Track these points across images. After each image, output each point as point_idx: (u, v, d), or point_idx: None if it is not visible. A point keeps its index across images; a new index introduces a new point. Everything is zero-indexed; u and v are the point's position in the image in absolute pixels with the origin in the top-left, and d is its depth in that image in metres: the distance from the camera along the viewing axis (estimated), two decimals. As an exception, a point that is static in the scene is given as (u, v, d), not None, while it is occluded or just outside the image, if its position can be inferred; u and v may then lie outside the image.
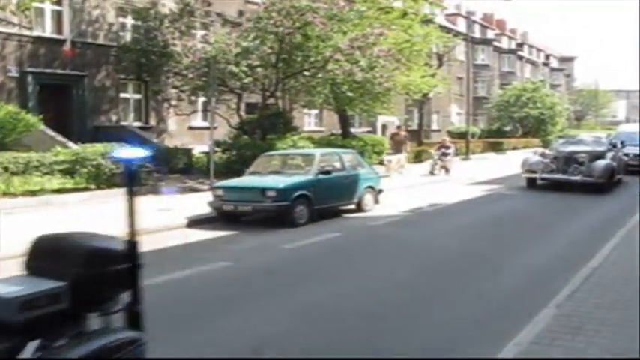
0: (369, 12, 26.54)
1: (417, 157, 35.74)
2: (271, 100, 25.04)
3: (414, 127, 46.66)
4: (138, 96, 27.85)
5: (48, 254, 3.59)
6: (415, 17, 31.17)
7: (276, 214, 13.71)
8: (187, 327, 6.81)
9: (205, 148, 22.10)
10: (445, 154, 27.61)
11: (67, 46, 24.13)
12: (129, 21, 27.04)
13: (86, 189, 17.65)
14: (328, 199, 14.88)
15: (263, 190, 13.77)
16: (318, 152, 16.19)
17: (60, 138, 20.87)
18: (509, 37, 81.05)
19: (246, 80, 21.43)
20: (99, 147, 18.47)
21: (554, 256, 10.58)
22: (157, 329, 6.63)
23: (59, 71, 24.47)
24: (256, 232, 13.09)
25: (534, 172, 21.01)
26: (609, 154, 21.54)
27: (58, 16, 24.64)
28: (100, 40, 25.92)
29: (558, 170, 20.57)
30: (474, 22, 64.09)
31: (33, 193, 16.70)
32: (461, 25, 60.90)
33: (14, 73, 23.08)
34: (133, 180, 3.80)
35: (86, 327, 3.54)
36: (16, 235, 9.19)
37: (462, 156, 39.64)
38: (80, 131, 23.68)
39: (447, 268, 9.80)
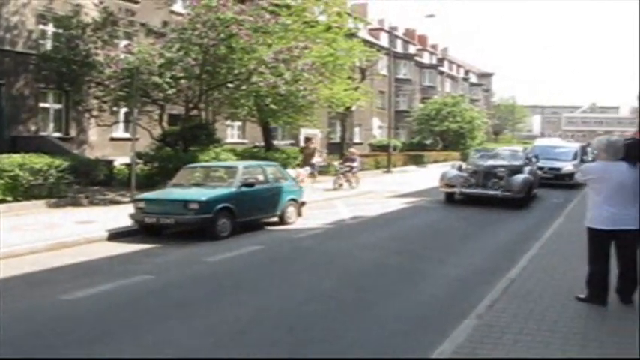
0: (293, 25, 26.83)
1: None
2: (194, 112, 24.93)
3: (337, 139, 47.09)
4: (58, 106, 27.29)
5: None
6: (339, 31, 31.59)
7: (198, 226, 13.69)
8: (108, 342, 6.80)
9: (127, 160, 21.82)
10: (351, 167, 26.61)
11: (-17, 53, 23.51)
12: (50, 29, 26.48)
13: (2, 201, 17.21)
14: (251, 211, 14.95)
15: (185, 203, 13.71)
16: (241, 165, 16.23)
17: (-25, 148, 20.32)
18: (431, 53, 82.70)
19: (169, 91, 21.28)
20: (16, 158, 18.05)
21: (474, 268, 10.91)
22: (76, 345, 6.67)
23: (-26, 79, 23.79)
24: (179, 245, 13.03)
25: (453, 186, 20.74)
26: (527, 169, 21.62)
27: (-27, 22, 24.00)
28: (19, 48, 25.30)
29: (477, 185, 20.37)
30: (397, 37, 65.31)
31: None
32: (384, 40, 61.84)
33: None
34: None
35: None
36: None
37: (383, 169, 40.27)
38: (-3, 141, 23.06)
39: (369, 280, 9.97)
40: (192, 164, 18.01)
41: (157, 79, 20.65)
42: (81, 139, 27.76)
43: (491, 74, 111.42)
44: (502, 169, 20.26)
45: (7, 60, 24.82)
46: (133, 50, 21.88)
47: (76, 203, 18.65)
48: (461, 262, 11.42)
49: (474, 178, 20.57)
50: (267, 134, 32.16)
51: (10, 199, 17.40)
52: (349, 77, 35.86)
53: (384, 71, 54.76)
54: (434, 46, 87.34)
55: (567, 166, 27.91)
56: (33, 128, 25.92)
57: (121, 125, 28.48)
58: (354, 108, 41.84)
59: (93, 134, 27.92)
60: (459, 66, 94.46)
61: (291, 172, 24.36)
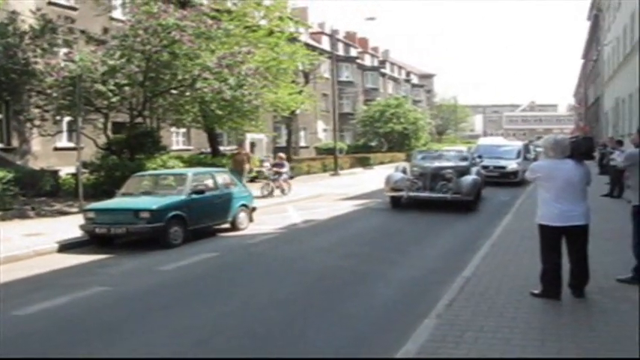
0: (236, 30, 26.71)
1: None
2: (139, 119, 24.65)
3: (283, 143, 47.11)
4: (-2, 116, 26.67)
5: None
6: (281, 35, 31.59)
7: (150, 235, 13.54)
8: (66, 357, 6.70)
9: (72, 170, 21.49)
10: (279, 173, 25.36)
11: None
12: (-16, 37, 25.85)
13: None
14: (203, 218, 14.87)
15: (136, 212, 13.56)
16: (190, 172, 16.10)
17: None
18: (372, 55, 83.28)
19: (113, 99, 20.99)
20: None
21: (428, 268, 11.04)
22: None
23: None
24: (131, 254, 12.88)
25: (399, 190, 19.84)
26: (474, 169, 21.19)
27: None
28: (-46, 57, 24.63)
29: (425, 187, 19.48)
30: (338, 40, 65.55)
31: None
32: (325, 43, 62.11)
33: None
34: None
35: None
36: None
37: (330, 172, 40.43)
38: None
39: (326, 284, 10.01)
40: (141, 172, 17.81)
41: (100, 86, 20.36)
42: (24, 150, 27.19)
43: (432, 75, 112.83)
44: (450, 171, 19.51)
45: (-59, 70, 24.11)
46: (74, 58, 21.51)
47: (22, 215, 18.28)
48: (415, 263, 11.54)
49: (421, 180, 19.72)
50: (213, 140, 31.99)
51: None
52: (293, 81, 35.92)
53: (327, 74, 55.00)
54: (375, 49, 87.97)
55: (512, 164, 28.41)
56: (-27, 140, 25.29)
57: (65, 134, 27.98)
58: (298, 112, 41.94)
59: (36, 144, 27.37)
60: (400, 68, 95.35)
61: None
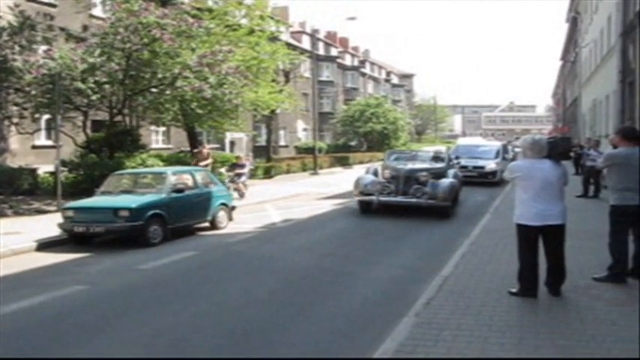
0: (217, 29, 26.65)
1: (267, 173, 36.17)
2: (119, 118, 24.54)
3: (263, 142, 47.06)
4: (-25, 113, 26.44)
5: None
6: (262, 34, 31.53)
7: (129, 234, 13.51)
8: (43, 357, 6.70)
9: (51, 168, 21.36)
10: (239, 175, 23.70)
11: None
12: (-39, 34, 25.61)
13: None
14: (182, 217, 14.86)
15: (115, 210, 13.53)
16: (169, 170, 16.08)
17: None
18: (352, 55, 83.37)
19: (93, 97, 20.87)
20: None
21: (407, 267, 11.10)
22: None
23: None
24: (110, 253, 12.84)
25: (369, 194, 18.28)
26: (451, 172, 20.08)
27: None
28: None
29: (397, 192, 18.06)
30: (319, 39, 65.53)
31: None
32: (306, 43, 62.12)
33: None
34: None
35: None
36: None
37: (310, 171, 40.48)
38: None
39: (305, 283, 10.04)
40: (121, 171, 17.75)
41: (79, 84, 20.22)
42: (1, 148, 27.00)
43: (412, 75, 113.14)
44: (424, 174, 18.19)
45: None
46: (53, 55, 21.38)
47: (-1, 214, 18.16)
48: (394, 262, 11.60)
49: (393, 184, 18.24)
50: (193, 139, 31.89)
51: None
52: (273, 80, 35.84)
53: (307, 74, 55.01)
54: (355, 48, 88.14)
55: (490, 164, 28.58)
56: (-51, 137, 25.08)
57: (43, 132, 27.83)
58: (278, 111, 41.88)
59: (14, 142, 27.17)
60: (380, 67, 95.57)
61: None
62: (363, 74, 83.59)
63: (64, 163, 21.27)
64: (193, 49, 22.86)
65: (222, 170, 25.31)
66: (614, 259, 8.54)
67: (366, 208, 18.55)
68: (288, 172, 38.86)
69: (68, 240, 13.90)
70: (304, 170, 40.83)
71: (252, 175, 34.69)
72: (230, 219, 16.76)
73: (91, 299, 9.12)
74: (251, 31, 30.59)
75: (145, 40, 21.06)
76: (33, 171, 23.47)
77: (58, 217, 14.57)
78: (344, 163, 48.64)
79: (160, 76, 21.68)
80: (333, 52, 73.32)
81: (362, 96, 72.88)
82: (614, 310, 7.34)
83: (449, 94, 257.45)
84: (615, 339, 6.35)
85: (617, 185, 8.48)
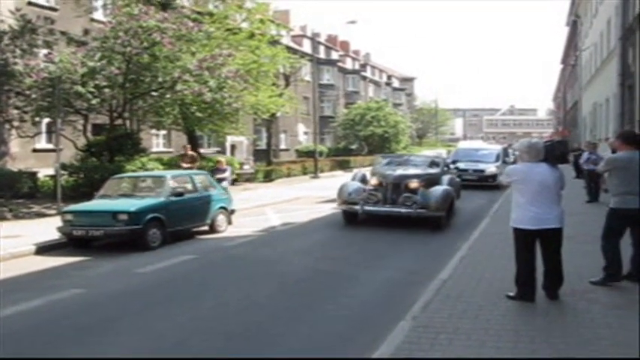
0: (217, 33, 26.70)
1: (267, 177, 36.22)
2: (119, 121, 24.57)
3: (263, 146, 47.08)
4: (-24, 117, 26.49)
5: None
6: (262, 38, 31.59)
7: (128, 237, 13.52)
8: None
9: (51, 171, 21.38)
10: (220, 180, 19.84)
11: None
12: (-37, 37, 25.68)
13: None
14: (181, 221, 14.87)
15: (114, 214, 13.54)
16: (169, 174, 16.09)
17: None
18: (353, 58, 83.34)
19: (93, 101, 20.91)
20: None
21: (406, 271, 11.09)
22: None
23: None
24: (109, 257, 12.84)
25: (354, 203, 16.58)
26: (446, 178, 18.63)
27: None
28: None
29: (385, 200, 16.38)
30: (319, 43, 65.60)
31: None
32: (306, 46, 62.11)
33: None
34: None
35: None
36: None
37: (310, 174, 40.51)
38: None
39: (304, 286, 10.05)
40: (120, 174, 17.76)
41: (79, 88, 20.26)
42: (2, 151, 27.05)
43: (413, 79, 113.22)
44: (415, 180, 16.55)
45: None
46: (54, 59, 21.43)
47: (-1, 217, 18.18)
48: (393, 265, 11.60)
49: (381, 192, 16.54)
50: (193, 142, 31.89)
51: None
52: (273, 84, 35.90)
53: (308, 77, 55.09)
54: (356, 52, 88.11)
55: (490, 168, 28.56)
56: (-51, 141, 25.12)
57: (44, 136, 27.90)
58: (279, 114, 41.90)
59: (14, 145, 27.21)
60: (381, 71, 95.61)
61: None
62: (364, 78, 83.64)
63: (64, 167, 21.29)
64: (193, 53, 22.91)
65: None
66: (607, 261, 8.58)
67: (351, 219, 17.04)
68: (288, 175, 38.90)
69: (67, 243, 13.92)
70: (305, 174, 40.87)
71: (253, 178, 34.84)
72: (229, 222, 16.77)
73: (89, 303, 9.11)
74: (251, 35, 30.67)
75: (145, 43, 21.12)
76: (33, 174, 23.49)
77: (57, 221, 14.58)
78: (345, 166, 48.67)
79: (160, 79, 21.71)
80: (334, 55, 73.32)
81: (363, 99, 72.98)
82: (611, 313, 7.34)
83: (450, 98, 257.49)
84: (612, 342, 6.35)
85: (618, 189, 8.49)
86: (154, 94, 22.48)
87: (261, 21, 32.36)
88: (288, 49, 45.05)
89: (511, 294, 7.98)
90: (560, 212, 7.79)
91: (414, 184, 16.35)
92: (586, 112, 43.34)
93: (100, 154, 23.37)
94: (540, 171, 7.74)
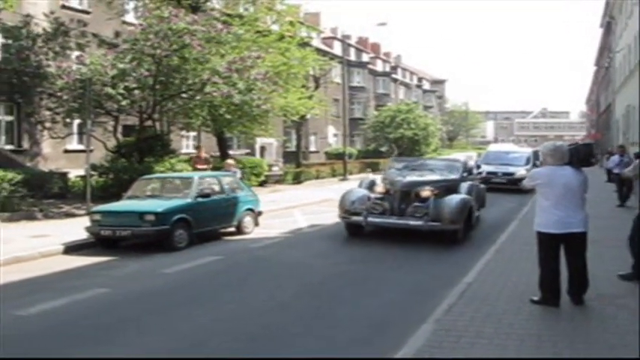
0: (246, 35, 26.78)
1: (296, 179, 36.28)
2: (149, 123, 24.76)
3: (293, 148, 47.14)
4: (10, 118, 26.89)
5: None
6: (292, 40, 31.61)
7: (155, 238, 13.60)
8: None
9: (82, 172, 21.61)
10: None
11: None
12: (-1, 40, 26.13)
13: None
14: (208, 222, 14.92)
15: (141, 214, 13.62)
16: (196, 175, 16.16)
17: None
18: (384, 60, 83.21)
19: (123, 102, 21.10)
20: (-35, 170, 17.78)
21: (430, 274, 11.02)
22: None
23: None
24: (135, 257, 12.93)
25: (357, 214, 14.78)
26: (465, 185, 16.34)
27: None
28: (-33, 59, 24.90)
29: (392, 211, 14.46)
30: (350, 45, 65.62)
31: None
32: (337, 48, 62.09)
33: None
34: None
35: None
36: None
37: (339, 176, 40.48)
38: (-54, 155, 22.65)
39: (327, 289, 10.02)
40: (148, 175, 17.88)
41: (109, 90, 20.45)
42: (34, 152, 27.41)
43: (444, 81, 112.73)
44: (428, 188, 14.48)
45: (-45, 72, 24.39)
46: (85, 61, 21.69)
47: (30, 217, 18.39)
48: (418, 268, 11.54)
49: (387, 200, 14.64)
50: (223, 144, 32.04)
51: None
52: (303, 86, 35.92)
53: (338, 79, 55.03)
54: (387, 54, 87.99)
55: (520, 171, 28.35)
56: (-16, 141, 25.53)
57: (75, 137, 28.21)
58: (308, 116, 41.91)
59: (46, 146, 27.56)
60: (412, 73, 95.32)
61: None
62: (395, 80, 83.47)
63: (94, 167, 21.53)
64: (222, 55, 22.99)
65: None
66: (636, 259, 8.50)
67: (355, 231, 15.24)
68: (317, 177, 38.92)
69: (95, 243, 14.04)
70: (334, 176, 40.87)
71: (282, 180, 34.91)
72: (256, 224, 16.77)
73: (113, 302, 9.18)
74: (281, 37, 30.68)
75: (175, 46, 21.24)
76: (63, 175, 23.74)
77: (86, 221, 14.68)
78: (374, 168, 48.57)
79: (189, 81, 21.82)
80: (365, 57, 73.21)
81: (393, 102, 72.73)
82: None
83: (481, 100, 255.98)
84: (637, 349, 6.24)
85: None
86: (184, 95, 22.60)
87: (291, 23, 32.38)
88: (319, 51, 45.07)
89: (535, 298, 7.89)
90: (584, 216, 7.69)
91: (425, 192, 14.28)
92: (619, 114, 42.83)
93: (129, 155, 23.55)
94: (565, 174, 7.64)
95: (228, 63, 22.28)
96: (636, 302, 7.83)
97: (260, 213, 17.27)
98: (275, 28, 31.53)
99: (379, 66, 79.32)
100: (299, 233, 16.56)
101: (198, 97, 22.31)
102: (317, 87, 43.45)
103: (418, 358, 6.10)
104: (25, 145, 27.21)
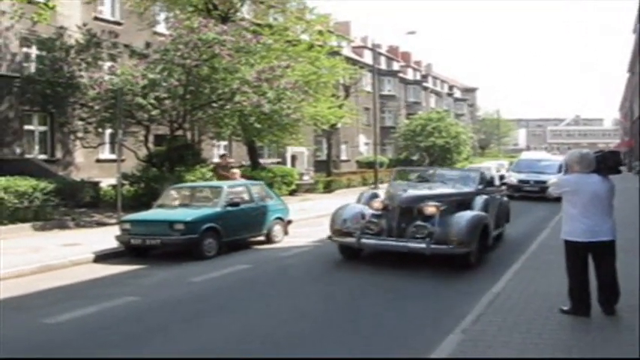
0: (276, 44, 26.91)
1: (327, 187, 36.29)
2: (179, 132, 24.95)
3: (324, 157, 47.17)
4: (43, 128, 27.30)
5: None
6: (322, 50, 31.67)
7: (184, 247, 13.66)
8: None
9: (113, 181, 21.81)
10: None
11: (-33, 77, 23.57)
12: (33, 51, 26.57)
13: (-13, 224, 17.22)
14: (237, 230, 14.93)
15: (171, 223, 13.70)
16: (225, 184, 16.21)
17: (-41, 172, 20.27)
18: (414, 69, 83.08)
19: (153, 112, 21.30)
20: (1, 181, 18.01)
21: (456, 284, 10.91)
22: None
23: (-42, 102, 23.79)
24: (165, 265, 13.00)
25: (349, 234, 12.58)
26: (480, 200, 13.70)
27: (-43, 47, 24.05)
28: (3, 71, 25.35)
29: (390, 230, 12.24)
30: (380, 54, 65.53)
31: None
32: (367, 57, 62.08)
33: None
34: None
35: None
36: None
37: (370, 185, 40.39)
38: (-19, 165, 22.98)
39: (355, 299, 9.91)
40: (178, 184, 17.98)
41: (140, 100, 20.66)
42: (67, 161, 27.77)
43: (475, 89, 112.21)
44: (433, 203, 12.24)
45: (-9, 83, 24.87)
46: (116, 72, 21.93)
47: (62, 225, 18.61)
48: (445, 278, 11.39)
49: (385, 218, 12.46)
50: (253, 153, 32.17)
51: (-6, 222, 17.41)
52: (333, 95, 35.98)
53: (368, 88, 54.98)
54: (417, 63, 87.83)
55: (552, 179, 27.93)
56: (18, 151, 25.90)
57: (107, 146, 28.54)
58: (339, 125, 41.94)
59: (79, 156, 27.91)
60: (443, 81, 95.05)
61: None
62: (425, 88, 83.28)
63: (125, 177, 21.71)
64: (252, 65, 23.10)
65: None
66: None
67: (350, 254, 13.14)
68: (348, 186, 38.89)
69: (125, 252, 14.14)
70: (365, 184, 40.78)
71: (312, 189, 34.94)
72: (286, 233, 16.76)
73: (141, 310, 9.24)
74: (310, 47, 30.75)
75: (205, 56, 21.42)
76: (95, 184, 23.99)
77: (117, 230, 14.81)
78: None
79: (219, 91, 21.98)
80: (395, 66, 73.19)
81: (424, 110, 72.52)
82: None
83: (513, 108, 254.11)
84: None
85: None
86: (214, 105, 22.74)
87: (320, 32, 32.44)
88: (349, 60, 45.13)
89: (565, 308, 7.76)
90: (612, 224, 7.56)
91: (429, 208, 12.13)
92: (653, 122, 42.26)
93: (160, 165, 23.72)
94: (593, 182, 7.52)
95: (257, 72, 22.38)
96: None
97: (290, 222, 17.25)
98: (304, 37, 31.61)
99: (410, 74, 79.22)
100: (328, 242, 16.44)
101: (228, 107, 22.44)
102: (347, 96, 43.48)
103: (450, 358, 6.09)
104: (58, 154, 27.58)
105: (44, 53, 25.19)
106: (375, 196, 14.26)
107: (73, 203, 20.85)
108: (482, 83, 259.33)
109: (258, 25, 28.76)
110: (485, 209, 13.36)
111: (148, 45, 26.95)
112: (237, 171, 20.18)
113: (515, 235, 16.87)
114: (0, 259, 12.69)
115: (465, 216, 12.19)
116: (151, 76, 21.12)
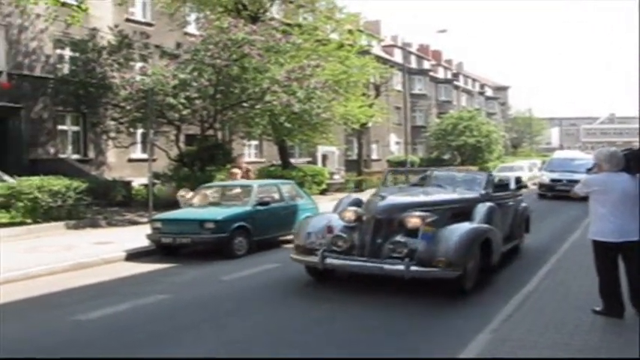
0: (305, 44, 26.95)
1: (358, 187, 36.25)
2: (210, 132, 25.11)
3: (354, 156, 47.11)
4: (76, 128, 27.67)
5: None
6: (352, 49, 31.65)
7: (215, 245, 13.74)
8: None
9: (145, 180, 22.01)
10: None
11: (2, 78, 23.92)
12: (67, 53, 26.99)
13: (22, 223, 17.46)
14: (267, 229, 14.97)
15: (201, 222, 13.78)
16: (256, 183, 16.27)
17: (-5, 171, 20.64)
18: (445, 68, 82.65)
19: (184, 112, 21.45)
20: (35, 180, 18.26)
21: (489, 282, 10.80)
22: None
23: (-5, 103, 24.15)
24: (195, 264, 13.08)
25: (313, 251, 10.21)
26: (482, 208, 11.01)
27: (-7, 48, 24.42)
28: (37, 72, 25.77)
29: (362, 247, 9.81)
30: (410, 52, 65.40)
31: (-34, 228, 16.46)
32: (397, 56, 61.95)
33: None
34: None
35: None
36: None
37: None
38: (16, 164, 23.35)
39: (381, 297, 9.80)
40: (208, 184, 18.09)
41: (171, 100, 20.83)
42: (99, 161, 28.11)
43: (506, 87, 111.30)
44: (417, 214, 9.73)
45: (26, 84, 25.31)
46: (147, 72, 22.13)
47: (94, 224, 18.83)
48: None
49: (357, 232, 10.09)
50: (284, 152, 32.25)
51: (29, 221, 17.71)
52: (363, 94, 35.93)
53: (399, 87, 54.89)
54: (448, 61, 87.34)
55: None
56: (52, 151, 26.29)
57: (139, 146, 28.84)
58: (370, 124, 41.86)
59: (111, 155, 28.23)
60: (474, 80, 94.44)
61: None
62: (457, 87, 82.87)
63: (157, 176, 21.89)
64: (282, 64, 23.16)
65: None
66: None
67: (319, 273, 10.72)
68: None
69: (156, 251, 14.28)
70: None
71: (343, 188, 34.90)
72: (316, 231, 16.73)
73: (172, 308, 9.29)
74: (340, 46, 30.76)
75: (235, 56, 21.53)
76: (127, 183, 24.26)
77: (148, 229, 14.93)
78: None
79: (249, 91, 22.07)
80: (426, 65, 72.92)
81: (455, 109, 72.14)
82: None
83: (546, 107, 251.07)
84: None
85: None
86: (244, 104, 22.85)
87: (349, 32, 32.44)
88: (379, 59, 45.03)
89: (597, 309, 7.65)
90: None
91: (413, 219, 9.63)
92: (689, 120, 41.62)
93: (191, 164, 23.89)
94: (622, 180, 7.38)
95: (287, 72, 22.44)
96: None
97: (320, 221, 17.20)
98: (334, 36, 31.62)
99: (441, 73, 78.88)
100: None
101: (258, 106, 22.53)
102: (377, 95, 43.38)
103: (480, 358, 6.06)
104: (91, 154, 27.93)
105: (77, 54, 25.58)
106: (360, 202, 11.60)
107: (106, 202, 21.11)
108: (514, 82, 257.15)
109: (288, 24, 28.84)
110: (488, 219, 10.77)
111: (178, 45, 27.21)
112: (237, 171, 20.03)
113: (545, 236, 16.68)
114: (34, 257, 12.89)
115: (458, 230, 9.69)
116: (181, 76, 21.28)
